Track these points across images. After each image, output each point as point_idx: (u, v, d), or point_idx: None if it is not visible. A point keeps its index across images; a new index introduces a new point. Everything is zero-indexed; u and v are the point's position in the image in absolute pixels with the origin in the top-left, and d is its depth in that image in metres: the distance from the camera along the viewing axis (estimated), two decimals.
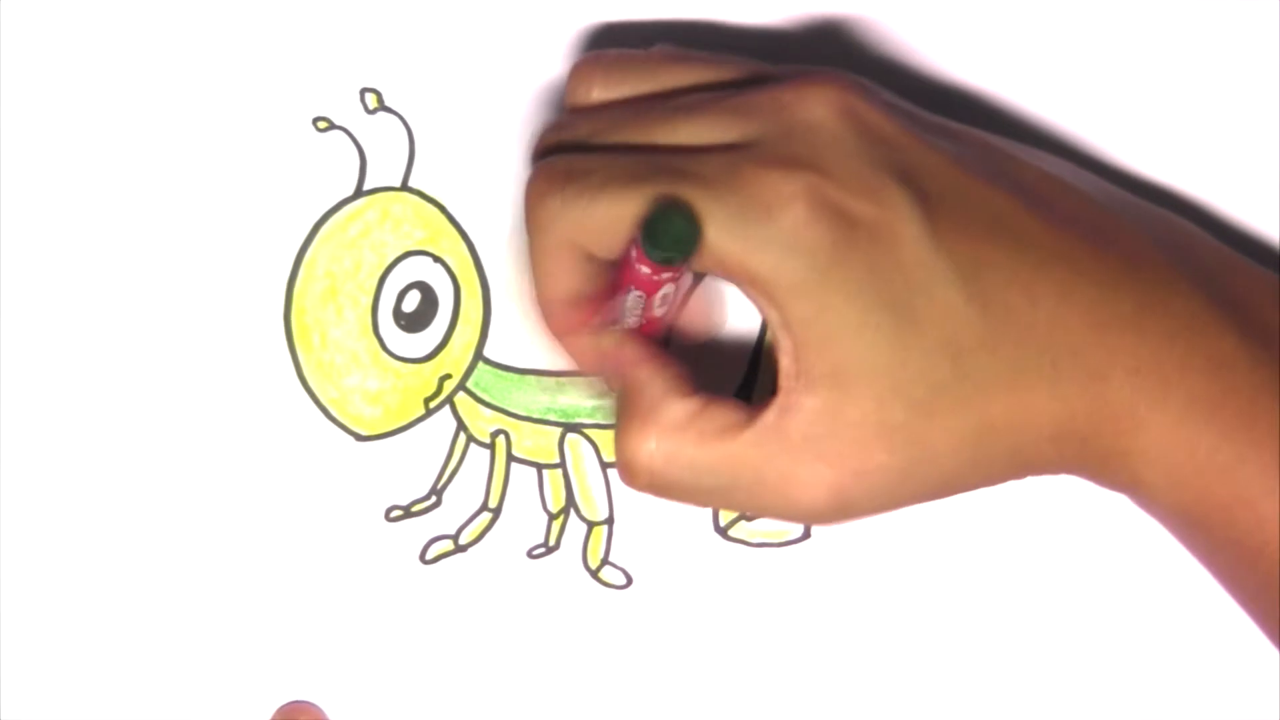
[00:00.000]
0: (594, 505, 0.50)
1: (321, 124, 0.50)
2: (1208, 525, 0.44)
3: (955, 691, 0.50)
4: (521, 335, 0.50)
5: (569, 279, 0.44)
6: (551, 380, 0.50)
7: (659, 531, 0.50)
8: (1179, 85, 0.50)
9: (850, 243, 0.41)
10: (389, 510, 0.50)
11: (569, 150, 0.44)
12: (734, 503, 0.44)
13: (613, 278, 0.44)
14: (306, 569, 0.50)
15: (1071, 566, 0.50)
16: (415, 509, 0.50)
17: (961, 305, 0.42)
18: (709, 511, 0.50)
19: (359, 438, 0.50)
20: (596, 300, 0.45)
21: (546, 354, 0.50)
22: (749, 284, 0.42)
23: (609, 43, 0.50)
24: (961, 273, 0.42)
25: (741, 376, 0.50)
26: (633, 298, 0.43)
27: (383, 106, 0.50)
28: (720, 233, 0.41)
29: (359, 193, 0.50)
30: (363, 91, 0.50)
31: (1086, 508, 0.48)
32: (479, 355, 0.50)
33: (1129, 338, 0.42)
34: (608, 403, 0.50)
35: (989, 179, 0.43)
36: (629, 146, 0.43)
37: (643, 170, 0.42)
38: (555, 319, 0.45)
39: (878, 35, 0.51)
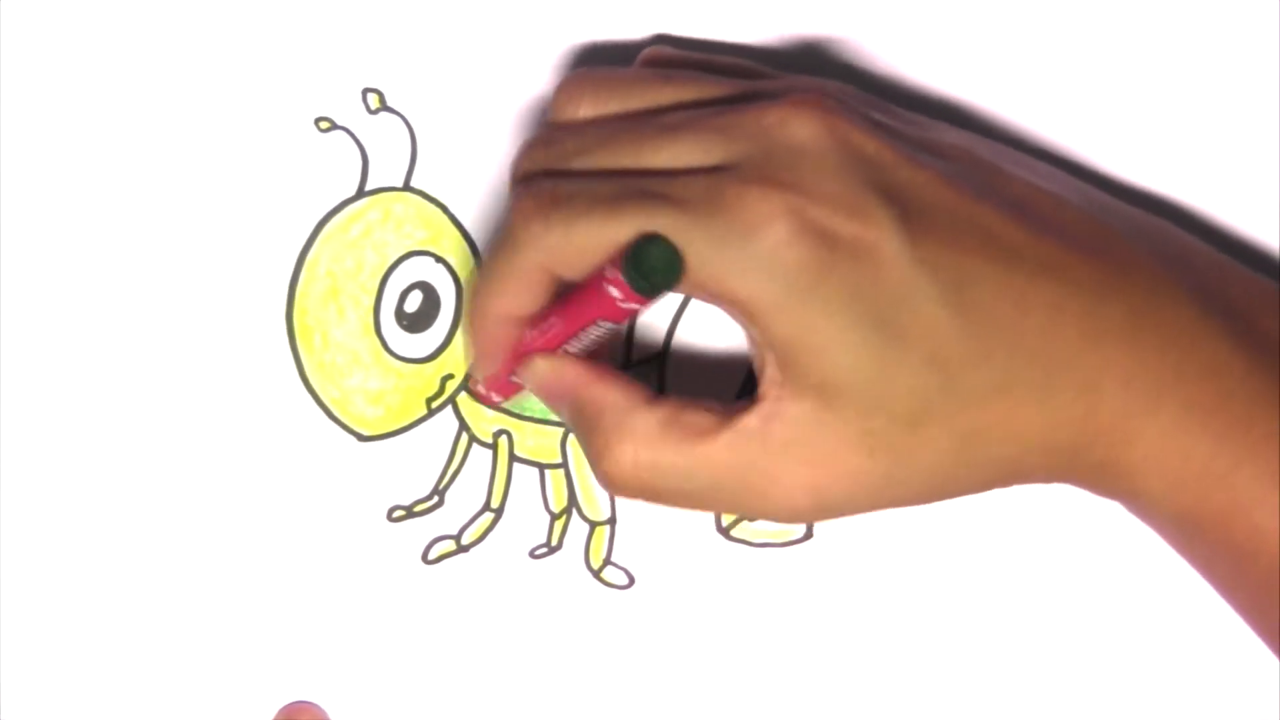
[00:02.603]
0: (596, 505, 0.50)
1: (323, 124, 0.50)
2: (1203, 532, 0.44)
3: (956, 692, 0.50)
4: None
5: (525, 299, 0.44)
6: None
7: (661, 532, 0.50)
8: (1175, 90, 0.51)
9: (831, 262, 0.41)
10: (391, 510, 0.50)
11: (553, 166, 0.44)
12: (718, 503, 0.44)
13: (557, 299, 0.44)
14: (308, 569, 0.50)
15: (1072, 567, 0.50)
16: (417, 509, 0.50)
17: (948, 319, 0.42)
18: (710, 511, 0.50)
19: (361, 438, 0.50)
20: (531, 320, 0.45)
21: None
22: (730, 305, 0.42)
23: (601, 55, 0.50)
24: (946, 287, 0.42)
25: (742, 382, 0.50)
26: (597, 327, 0.43)
27: (385, 107, 0.50)
28: (700, 257, 0.41)
29: (361, 193, 0.50)
30: (365, 92, 0.50)
31: (1088, 509, 0.48)
32: None
33: (1121, 348, 0.43)
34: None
35: (975, 193, 0.43)
36: (613, 170, 0.43)
37: (623, 195, 0.42)
38: (494, 334, 0.45)
39: (868, 48, 0.51)
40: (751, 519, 0.49)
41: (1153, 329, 0.43)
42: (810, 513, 0.43)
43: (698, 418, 0.43)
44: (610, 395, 0.44)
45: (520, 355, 0.46)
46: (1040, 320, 0.42)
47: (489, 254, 0.45)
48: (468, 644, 0.50)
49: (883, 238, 0.41)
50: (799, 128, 0.42)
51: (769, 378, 0.42)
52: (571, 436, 0.50)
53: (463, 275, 0.50)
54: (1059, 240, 0.43)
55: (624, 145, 0.44)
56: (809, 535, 0.50)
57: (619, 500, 0.50)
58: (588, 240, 0.42)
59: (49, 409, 0.50)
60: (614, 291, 0.42)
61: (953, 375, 0.42)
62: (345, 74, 0.50)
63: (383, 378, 0.50)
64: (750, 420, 0.43)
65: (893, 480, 0.43)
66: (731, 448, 0.43)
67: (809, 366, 0.42)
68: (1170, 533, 0.45)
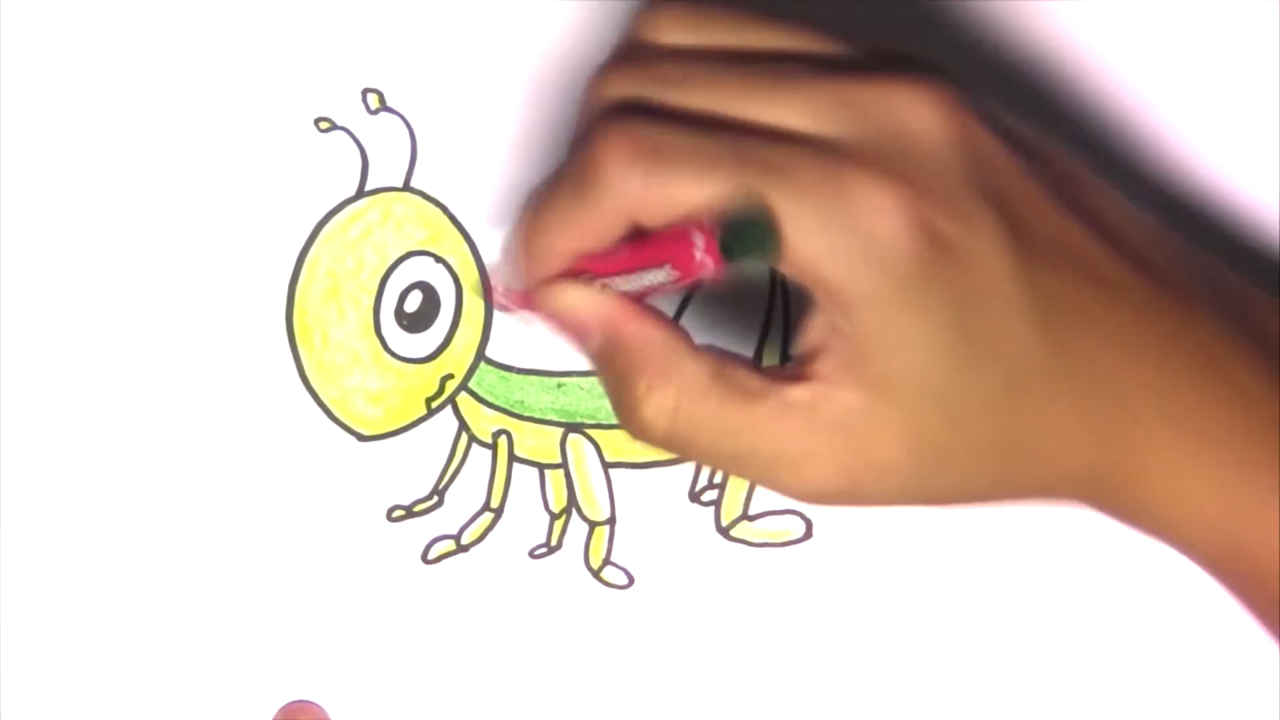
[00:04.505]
0: (596, 505, 0.50)
1: (323, 124, 0.50)
2: (1236, 566, 0.43)
3: (956, 692, 0.50)
4: (523, 335, 0.50)
5: (595, 240, 0.41)
6: (553, 380, 0.50)
7: (661, 531, 0.50)
8: (1178, 87, 0.51)
9: (934, 262, 0.40)
10: (391, 510, 0.50)
11: (645, 96, 0.41)
12: (746, 470, 0.42)
13: (630, 239, 0.41)
14: (308, 569, 0.50)
15: (1073, 567, 0.50)
16: (417, 509, 0.50)
17: (1030, 336, 0.41)
18: (710, 511, 0.50)
19: (361, 438, 0.50)
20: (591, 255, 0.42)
21: (548, 355, 0.50)
22: (821, 289, 0.40)
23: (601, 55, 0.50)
24: (1037, 304, 0.41)
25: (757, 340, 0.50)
26: (659, 273, 0.41)
27: (385, 107, 0.50)
28: (802, 235, 0.39)
29: (361, 193, 0.50)
30: (365, 92, 0.50)
31: (1086, 509, 0.48)
32: (481, 355, 0.50)
33: (1182, 391, 0.42)
34: (609, 402, 0.50)
35: (1079, 213, 0.42)
36: (712, 117, 0.41)
37: (729, 155, 0.40)
38: (547, 261, 0.42)
39: None
40: (779, 492, 0.47)
41: (1212, 374, 0.42)
42: (839, 496, 0.42)
43: (745, 378, 0.41)
44: (655, 334, 0.41)
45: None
46: (1110, 350, 0.42)
47: (556, 179, 0.41)
48: (467, 644, 0.50)
49: (988, 246, 0.40)
50: (923, 113, 0.40)
51: (832, 360, 0.41)
52: (571, 437, 0.50)
53: (462, 275, 0.50)
54: (1142, 274, 0.42)
55: (731, 90, 0.41)
56: (808, 535, 0.50)
57: (619, 500, 0.50)
58: (682, 196, 0.40)
59: (49, 408, 0.50)
60: (697, 241, 0.39)
61: (1015, 388, 0.41)
62: (345, 74, 0.50)
63: (382, 378, 0.50)
64: (800, 394, 0.41)
65: (928, 480, 0.42)
66: (775, 417, 0.41)
67: (879, 357, 0.40)
68: (1202, 564, 0.44)
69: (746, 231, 0.39)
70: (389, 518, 0.50)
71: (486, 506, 0.50)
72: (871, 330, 0.40)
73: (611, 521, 0.50)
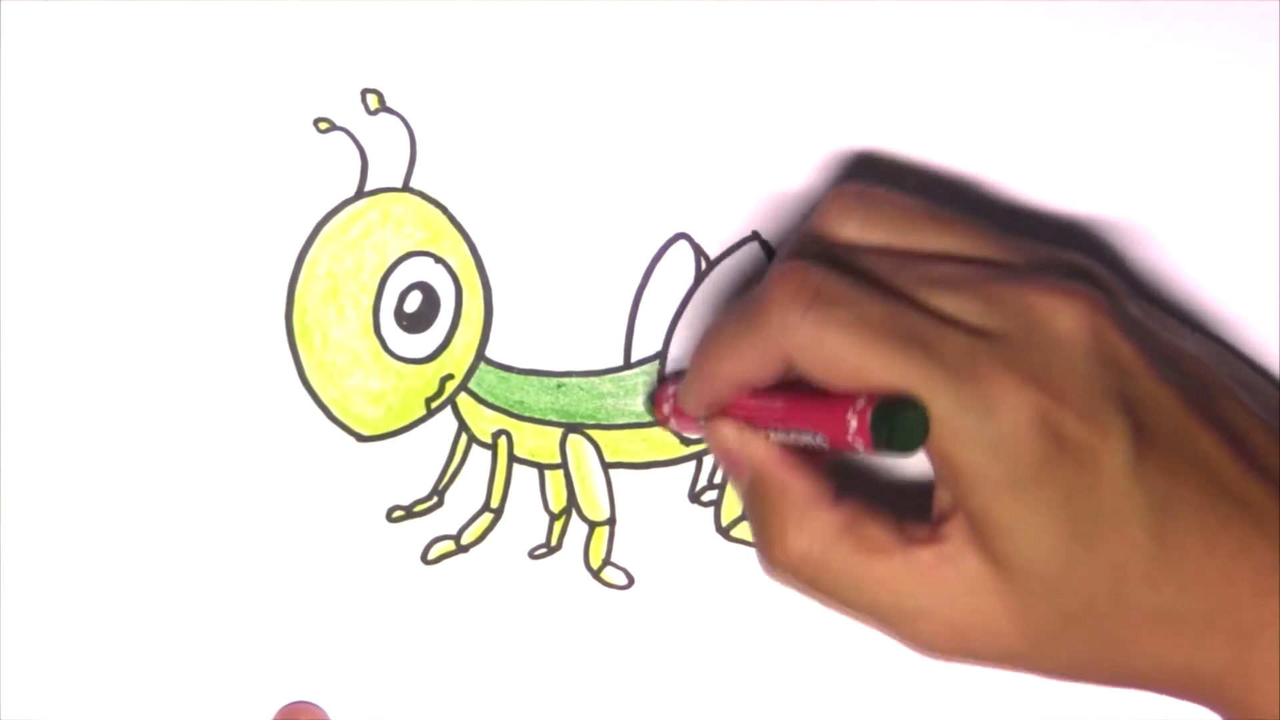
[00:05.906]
0: (596, 505, 0.50)
1: (323, 125, 0.50)
2: None
3: (956, 691, 0.50)
4: (523, 336, 0.50)
5: (757, 374, 0.44)
6: (553, 380, 0.50)
7: (661, 532, 0.50)
8: (1179, 94, 0.51)
9: (1057, 462, 0.42)
10: (391, 510, 0.50)
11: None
12: (865, 615, 0.45)
13: (788, 385, 0.45)
14: (308, 569, 0.50)
15: None
16: (417, 509, 0.50)
17: (1142, 540, 0.42)
18: (710, 511, 0.50)
19: (360, 438, 0.50)
20: (755, 393, 0.45)
21: (548, 355, 0.50)
22: (946, 467, 0.43)
23: (600, 57, 0.50)
24: (1152, 509, 0.42)
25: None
26: (813, 437, 0.44)
27: (384, 107, 0.50)
28: (936, 415, 0.42)
29: (360, 194, 0.50)
30: (364, 92, 0.50)
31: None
32: (481, 355, 0.50)
33: None
34: (609, 402, 0.50)
35: (1205, 419, 0.43)
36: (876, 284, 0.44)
37: (885, 327, 0.42)
38: (716, 387, 0.46)
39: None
40: (894, 639, 0.48)
41: None
42: (949, 653, 0.44)
43: (876, 532, 0.44)
44: (797, 484, 0.45)
45: (724, 408, 0.46)
46: (1222, 562, 0.43)
47: (734, 311, 0.45)
48: (467, 644, 0.50)
49: (1110, 449, 0.42)
50: (1063, 319, 0.43)
51: (961, 529, 0.43)
52: (571, 437, 0.50)
53: (462, 276, 0.50)
54: (1264, 484, 0.44)
55: (890, 288, 0.44)
56: None
57: (619, 500, 0.50)
58: (836, 353, 0.42)
59: (49, 409, 0.50)
60: (851, 424, 0.42)
61: (1125, 590, 0.43)
62: (344, 74, 0.50)
63: (382, 378, 0.50)
64: (926, 555, 0.43)
65: (1033, 655, 0.44)
66: (900, 573, 0.43)
67: (997, 540, 0.42)
68: None
69: (898, 426, 0.42)
70: (389, 518, 0.50)
71: (486, 507, 0.50)
72: (993, 517, 0.42)
73: (611, 522, 0.50)
